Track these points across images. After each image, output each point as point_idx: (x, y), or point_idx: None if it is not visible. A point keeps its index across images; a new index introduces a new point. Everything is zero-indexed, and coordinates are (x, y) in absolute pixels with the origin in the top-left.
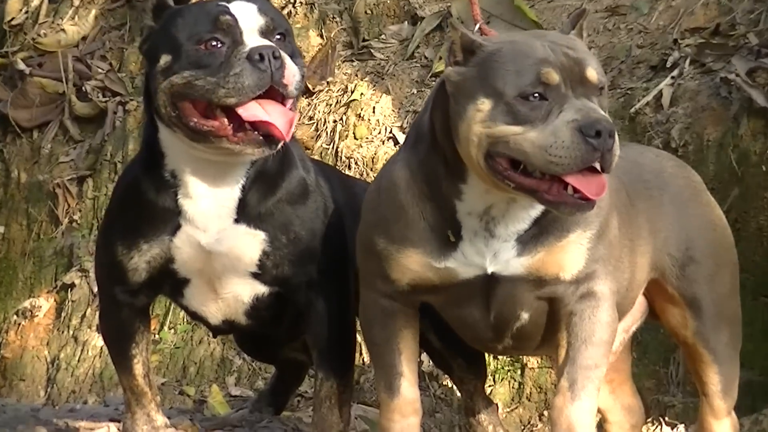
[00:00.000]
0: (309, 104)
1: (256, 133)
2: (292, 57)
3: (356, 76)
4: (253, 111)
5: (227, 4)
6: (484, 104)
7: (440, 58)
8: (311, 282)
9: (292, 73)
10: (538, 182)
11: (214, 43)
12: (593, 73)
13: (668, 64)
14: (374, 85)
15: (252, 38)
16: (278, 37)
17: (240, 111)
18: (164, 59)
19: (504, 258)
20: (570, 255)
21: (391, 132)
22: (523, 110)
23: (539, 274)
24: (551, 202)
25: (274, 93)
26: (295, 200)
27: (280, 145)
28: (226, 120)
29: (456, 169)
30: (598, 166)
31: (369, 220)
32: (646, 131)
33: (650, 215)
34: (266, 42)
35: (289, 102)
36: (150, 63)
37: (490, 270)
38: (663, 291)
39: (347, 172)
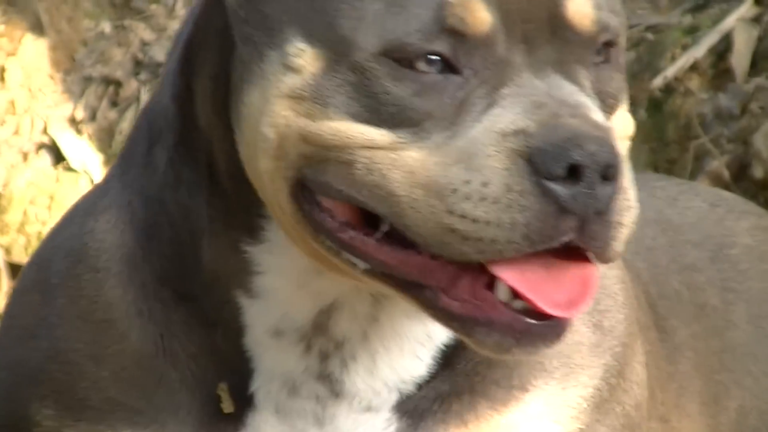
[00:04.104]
0: None
1: None
2: None
3: None
4: None
5: None
6: (304, 56)
7: None
8: None
9: None
10: (425, 264)
11: None
12: (584, 7)
13: None
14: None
15: None
16: None
17: None
18: None
19: None
20: None
21: (44, 129)
22: (396, 92)
23: None
24: (457, 319)
25: None
26: None
27: None
28: None
29: (240, 203)
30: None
31: (14, 354)
32: None
33: (703, 351)
34: None
35: None
36: None
37: None
38: None
39: None
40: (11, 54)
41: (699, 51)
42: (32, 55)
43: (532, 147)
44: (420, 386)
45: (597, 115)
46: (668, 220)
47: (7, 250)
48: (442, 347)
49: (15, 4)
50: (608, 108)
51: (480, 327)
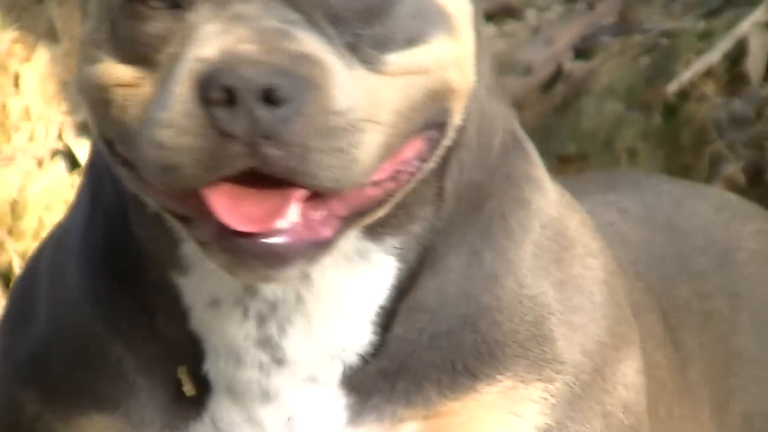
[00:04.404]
0: None
1: None
2: None
3: None
4: None
5: None
6: (91, 7)
7: None
8: None
9: None
10: (183, 197)
11: None
12: None
13: None
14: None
15: None
16: None
17: None
18: None
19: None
20: None
21: (59, 135)
22: (133, 28)
23: None
24: (203, 246)
25: None
26: None
27: None
28: None
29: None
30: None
31: (7, 343)
32: None
33: (711, 359)
34: None
35: None
36: None
37: None
38: None
39: None
40: (25, 60)
41: (713, 56)
42: (46, 61)
43: (204, 73)
44: (366, 361)
45: (295, 42)
46: (676, 226)
47: (23, 257)
48: (378, 310)
49: (29, 11)
50: (370, 40)
51: (214, 250)
